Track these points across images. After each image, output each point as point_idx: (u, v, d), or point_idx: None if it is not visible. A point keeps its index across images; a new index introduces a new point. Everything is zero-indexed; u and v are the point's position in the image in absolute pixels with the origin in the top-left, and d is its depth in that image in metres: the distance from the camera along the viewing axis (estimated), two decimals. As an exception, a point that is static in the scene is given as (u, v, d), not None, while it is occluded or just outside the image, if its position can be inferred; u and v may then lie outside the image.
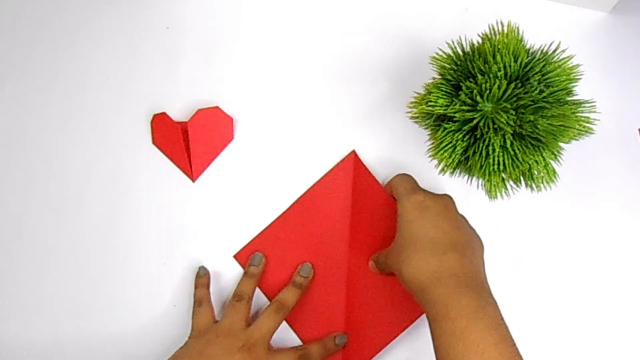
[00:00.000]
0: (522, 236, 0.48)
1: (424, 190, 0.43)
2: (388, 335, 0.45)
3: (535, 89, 0.38)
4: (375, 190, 0.45)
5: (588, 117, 0.39)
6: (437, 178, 0.45)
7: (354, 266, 0.46)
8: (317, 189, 0.46)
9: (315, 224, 0.46)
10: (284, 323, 0.46)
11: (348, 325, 0.45)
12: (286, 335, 0.46)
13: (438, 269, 0.36)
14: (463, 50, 0.41)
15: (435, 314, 0.35)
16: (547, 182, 0.40)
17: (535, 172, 0.40)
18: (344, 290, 0.45)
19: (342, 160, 0.45)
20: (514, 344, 0.34)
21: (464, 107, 0.38)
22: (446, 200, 0.41)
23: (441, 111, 0.39)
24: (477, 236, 0.42)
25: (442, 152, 0.40)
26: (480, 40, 0.40)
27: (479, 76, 0.38)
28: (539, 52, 0.41)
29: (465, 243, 0.39)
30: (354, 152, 0.44)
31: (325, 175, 0.45)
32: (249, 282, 0.46)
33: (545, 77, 0.39)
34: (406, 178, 0.45)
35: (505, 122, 0.37)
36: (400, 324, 0.45)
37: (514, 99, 0.37)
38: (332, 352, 0.44)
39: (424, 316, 0.45)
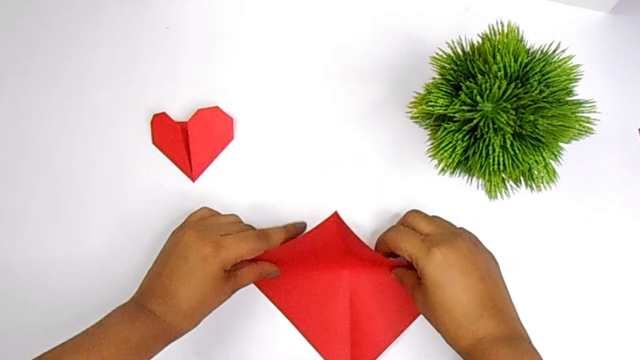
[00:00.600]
0: (522, 236, 0.48)
1: (431, 234, 0.41)
2: (392, 334, 0.46)
3: (535, 89, 0.38)
4: (362, 247, 0.44)
5: (588, 117, 0.39)
6: (437, 178, 0.45)
7: (356, 272, 0.46)
8: (302, 241, 0.44)
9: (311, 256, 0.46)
10: (293, 332, 0.46)
11: (353, 327, 0.45)
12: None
13: (477, 334, 0.37)
14: (463, 50, 0.42)
15: None
16: (547, 182, 0.40)
17: (535, 172, 0.40)
18: (347, 295, 0.46)
19: (325, 221, 0.42)
20: None
21: (464, 107, 0.38)
22: (461, 243, 0.40)
23: (441, 111, 0.39)
24: (491, 257, 0.42)
25: (442, 152, 0.40)
26: (480, 40, 0.40)
27: (479, 76, 0.38)
28: (539, 52, 0.41)
29: (492, 292, 0.39)
30: (336, 214, 0.42)
31: (308, 232, 0.43)
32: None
33: (545, 77, 0.39)
34: (402, 231, 0.42)
35: (505, 122, 0.37)
36: (401, 323, 0.46)
37: (514, 99, 0.37)
38: (292, 236, 0.44)
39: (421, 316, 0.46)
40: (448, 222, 0.43)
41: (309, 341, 0.46)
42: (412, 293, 0.42)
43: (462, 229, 0.43)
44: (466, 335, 0.38)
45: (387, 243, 0.42)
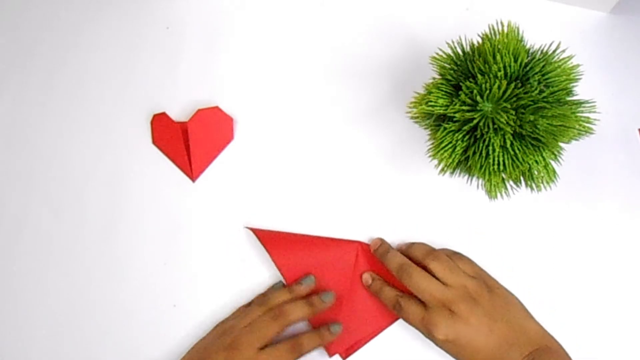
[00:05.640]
0: (522, 236, 0.48)
1: (449, 288, 0.41)
2: (383, 322, 0.46)
3: (535, 89, 0.38)
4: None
5: (588, 117, 0.39)
6: (437, 178, 0.45)
7: (366, 248, 0.47)
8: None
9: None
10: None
11: (349, 298, 0.46)
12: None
13: None
14: (463, 50, 0.42)
15: None
16: (547, 182, 0.40)
17: (535, 172, 0.40)
18: (352, 263, 0.46)
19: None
20: None
21: (464, 107, 0.38)
22: (463, 291, 0.41)
23: (441, 111, 0.39)
24: (507, 294, 0.43)
25: (442, 152, 0.40)
26: (480, 40, 0.40)
27: (479, 76, 0.38)
28: (539, 52, 0.41)
29: (512, 330, 0.41)
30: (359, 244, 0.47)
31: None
32: (285, 296, 0.44)
33: (545, 77, 0.39)
34: (423, 278, 0.42)
35: (505, 122, 0.37)
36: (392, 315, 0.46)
37: (514, 99, 0.37)
38: (327, 341, 0.44)
39: None
40: (465, 277, 0.42)
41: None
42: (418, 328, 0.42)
43: (477, 272, 0.44)
44: None
45: (404, 282, 0.43)
